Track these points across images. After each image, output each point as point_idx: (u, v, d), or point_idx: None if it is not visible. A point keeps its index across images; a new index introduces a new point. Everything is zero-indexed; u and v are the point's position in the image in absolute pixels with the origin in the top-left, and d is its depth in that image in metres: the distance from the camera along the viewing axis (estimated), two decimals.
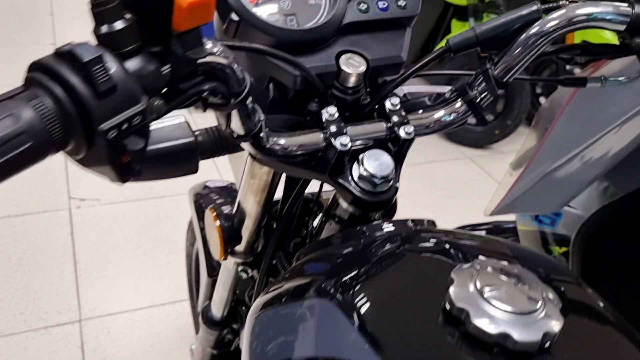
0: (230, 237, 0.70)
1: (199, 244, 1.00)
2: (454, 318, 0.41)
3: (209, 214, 0.71)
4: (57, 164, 2.29)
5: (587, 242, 0.92)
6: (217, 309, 0.92)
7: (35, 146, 0.35)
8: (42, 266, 1.77)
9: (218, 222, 0.70)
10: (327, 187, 0.65)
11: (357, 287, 0.46)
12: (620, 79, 0.65)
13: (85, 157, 0.39)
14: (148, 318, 1.64)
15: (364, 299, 0.44)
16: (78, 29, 3.38)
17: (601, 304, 0.47)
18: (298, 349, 0.45)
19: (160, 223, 2.01)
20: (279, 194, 0.71)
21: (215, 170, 2.11)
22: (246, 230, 0.70)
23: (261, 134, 0.53)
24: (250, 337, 0.51)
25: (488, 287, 0.41)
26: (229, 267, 0.77)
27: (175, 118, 0.61)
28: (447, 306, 0.41)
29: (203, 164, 0.63)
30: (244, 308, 0.93)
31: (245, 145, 0.54)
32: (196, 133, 0.61)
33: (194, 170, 0.62)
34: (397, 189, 0.58)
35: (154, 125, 0.62)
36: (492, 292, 0.41)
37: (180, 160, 0.59)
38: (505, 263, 0.44)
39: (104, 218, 2.00)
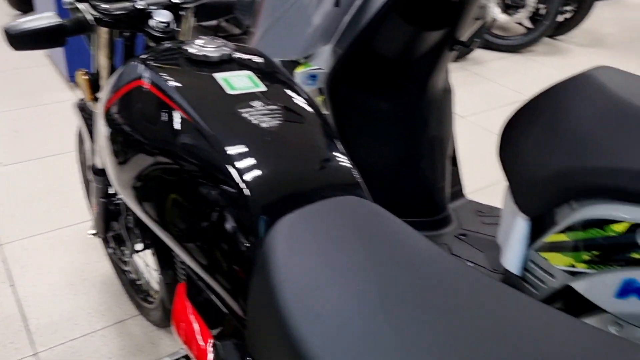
0: (93, 84, 1.18)
1: (82, 124, 1.45)
2: (191, 55, 0.92)
3: (79, 74, 1.19)
4: None
5: (331, 90, 1.47)
6: (99, 160, 1.38)
7: None
8: None
9: (85, 76, 1.17)
10: None
11: (159, 70, 0.96)
12: None
13: None
14: (61, 237, 2.05)
15: (167, 78, 0.95)
16: None
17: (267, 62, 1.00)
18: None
19: (57, 174, 2.40)
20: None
21: None
22: (103, 80, 1.18)
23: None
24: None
25: (201, 42, 0.93)
26: (98, 112, 1.24)
27: (48, 13, 1.09)
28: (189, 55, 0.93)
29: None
30: None
31: (81, 6, 1.02)
32: (64, 20, 1.09)
33: (63, 44, 1.09)
34: (177, 31, 1.09)
35: (35, 15, 1.12)
36: (202, 44, 0.93)
37: (52, 36, 1.07)
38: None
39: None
